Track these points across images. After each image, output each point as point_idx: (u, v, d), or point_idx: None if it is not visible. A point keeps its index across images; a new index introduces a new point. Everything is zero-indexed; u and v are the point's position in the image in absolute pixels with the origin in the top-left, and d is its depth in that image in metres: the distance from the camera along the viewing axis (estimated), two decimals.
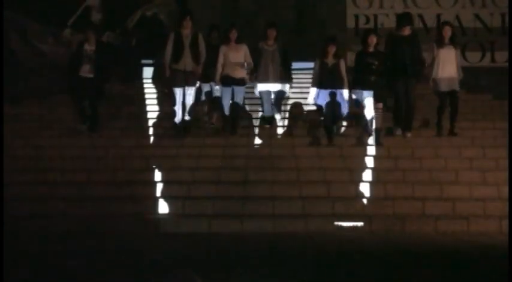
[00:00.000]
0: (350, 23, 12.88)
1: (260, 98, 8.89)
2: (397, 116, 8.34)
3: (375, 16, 12.85)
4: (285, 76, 8.77)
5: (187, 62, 8.36)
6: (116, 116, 9.51)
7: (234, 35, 8.62)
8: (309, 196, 6.80)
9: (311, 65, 8.87)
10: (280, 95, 8.88)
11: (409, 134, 8.30)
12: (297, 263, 4.57)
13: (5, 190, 6.24)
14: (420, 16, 12.71)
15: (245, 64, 8.66)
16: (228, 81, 8.57)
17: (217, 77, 8.57)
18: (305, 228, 6.16)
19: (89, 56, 8.71)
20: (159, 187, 6.97)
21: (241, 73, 8.62)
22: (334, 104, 8.24)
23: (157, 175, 7.31)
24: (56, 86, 10.53)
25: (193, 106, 8.56)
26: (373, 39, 8.28)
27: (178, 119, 8.54)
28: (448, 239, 5.71)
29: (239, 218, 6.29)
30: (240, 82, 8.62)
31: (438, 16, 12.67)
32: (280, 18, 12.97)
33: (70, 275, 4.15)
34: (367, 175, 7.23)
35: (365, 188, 6.91)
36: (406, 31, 8.39)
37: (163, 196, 6.82)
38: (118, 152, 8.09)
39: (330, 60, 8.38)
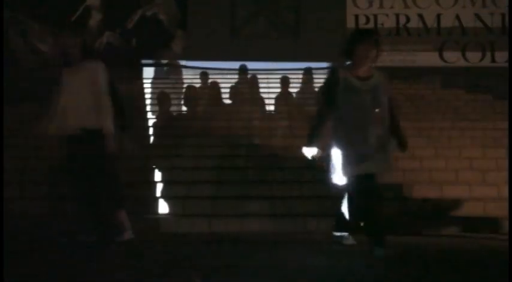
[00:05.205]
0: (350, 23, 12.90)
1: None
2: None
3: (375, 16, 12.87)
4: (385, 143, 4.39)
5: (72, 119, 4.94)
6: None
7: None
8: (309, 196, 6.81)
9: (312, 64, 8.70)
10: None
11: None
12: (296, 263, 4.57)
13: (5, 190, 6.24)
14: (420, 16, 12.74)
15: None
16: None
17: None
18: (305, 228, 6.16)
19: None
20: (159, 187, 6.98)
21: None
22: None
23: (157, 175, 7.31)
24: (55, 86, 10.52)
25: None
26: None
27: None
28: (448, 239, 5.71)
29: (239, 218, 6.30)
30: None
31: (438, 16, 12.69)
32: (280, 18, 13.02)
33: (70, 275, 4.15)
34: None
35: None
36: None
37: (163, 196, 6.82)
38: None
39: None
